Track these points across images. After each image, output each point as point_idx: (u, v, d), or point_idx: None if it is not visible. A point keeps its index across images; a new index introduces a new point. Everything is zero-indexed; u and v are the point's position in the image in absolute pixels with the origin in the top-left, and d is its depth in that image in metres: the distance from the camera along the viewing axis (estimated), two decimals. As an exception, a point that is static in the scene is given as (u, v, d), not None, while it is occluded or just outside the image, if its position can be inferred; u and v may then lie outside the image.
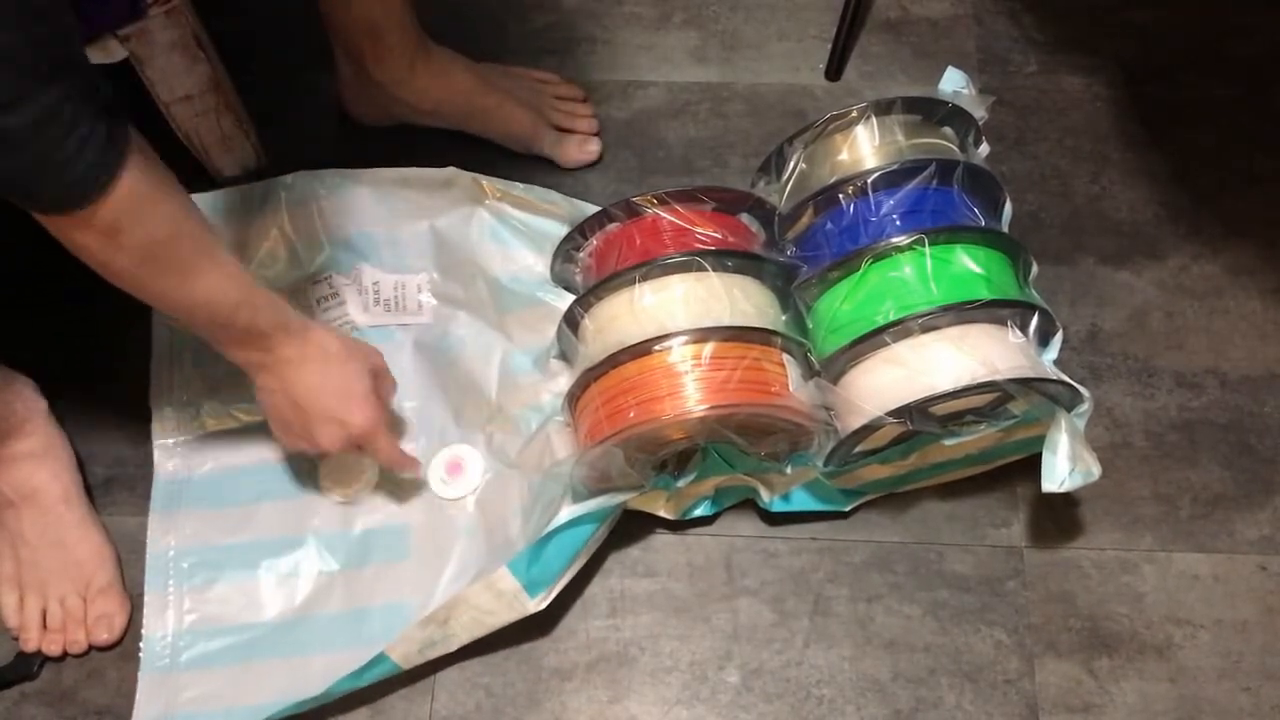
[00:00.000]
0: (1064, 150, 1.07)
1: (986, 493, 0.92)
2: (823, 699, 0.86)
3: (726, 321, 0.81)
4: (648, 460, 0.85)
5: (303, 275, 0.98)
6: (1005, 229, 0.88)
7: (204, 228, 0.72)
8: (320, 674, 0.83)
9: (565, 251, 0.93)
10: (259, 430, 0.93)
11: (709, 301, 0.82)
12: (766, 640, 0.88)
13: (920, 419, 0.78)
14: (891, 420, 0.77)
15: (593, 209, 0.92)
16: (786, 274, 0.86)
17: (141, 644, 0.87)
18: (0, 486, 0.87)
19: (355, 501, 0.91)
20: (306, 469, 0.92)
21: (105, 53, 0.83)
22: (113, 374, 0.97)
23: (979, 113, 0.89)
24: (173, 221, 0.69)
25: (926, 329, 0.78)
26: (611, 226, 0.90)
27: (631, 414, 0.79)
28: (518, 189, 0.97)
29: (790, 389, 0.81)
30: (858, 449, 0.84)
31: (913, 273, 0.80)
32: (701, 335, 0.80)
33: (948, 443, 0.83)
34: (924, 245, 0.80)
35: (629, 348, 0.80)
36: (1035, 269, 0.86)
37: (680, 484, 0.86)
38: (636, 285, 0.83)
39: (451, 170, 0.98)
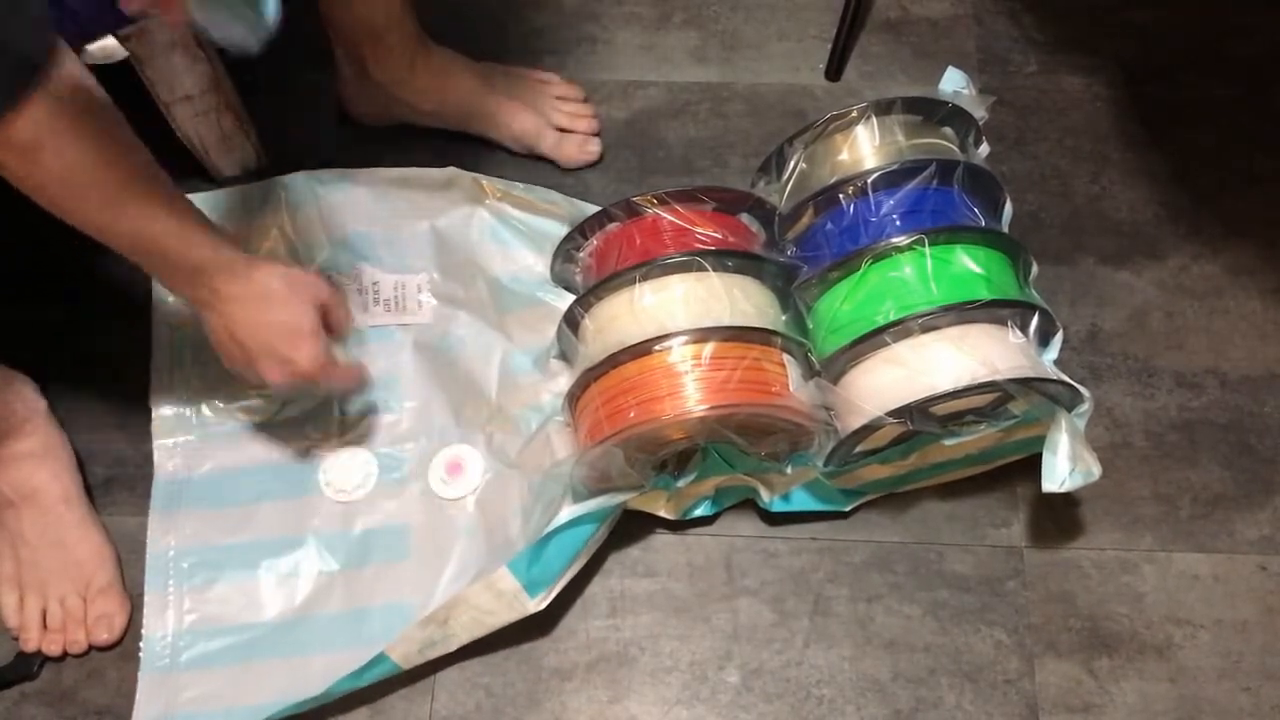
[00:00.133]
0: (1064, 150, 1.07)
1: (986, 493, 0.92)
2: (823, 699, 0.86)
3: (726, 321, 0.81)
4: (648, 460, 0.85)
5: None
6: (1005, 229, 0.88)
7: (140, 162, 0.73)
8: (320, 674, 0.83)
9: (565, 251, 0.93)
10: (259, 430, 0.93)
11: (709, 301, 0.82)
12: (766, 640, 0.88)
13: (920, 419, 0.78)
14: (891, 420, 0.77)
15: (593, 209, 0.92)
16: (786, 274, 0.86)
17: (141, 644, 0.87)
18: (0, 486, 0.87)
19: (355, 501, 0.91)
20: (306, 468, 0.92)
21: (105, 53, 0.83)
22: (113, 374, 0.97)
23: (979, 113, 0.89)
24: (101, 150, 0.69)
25: (926, 329, 0.78)
26: (611, 226, 0.90)
27: (631, 414, 0.79)
28: (518, 189, 0.97)
29: (790, 389, 0.81)
30: (858, 449, 0.84)
31: (913, 273, 0.80)
32: (701, 335, 0.80)
33: (948, 443, 0.83)
34: (924, 245, 0.80)
35: (629, 348, 0.80)
36: (1035, 269, 0.86)
37: (680, 484, 0.86)
38: (636, 285, 0.83)
39: (451, 170, 0.98)
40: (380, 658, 0.82)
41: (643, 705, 0.86)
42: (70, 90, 0.67)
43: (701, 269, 0.83)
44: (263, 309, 0.81)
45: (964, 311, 0.78)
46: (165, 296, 0.96)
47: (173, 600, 0.88)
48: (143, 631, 0.87)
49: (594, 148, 1.06)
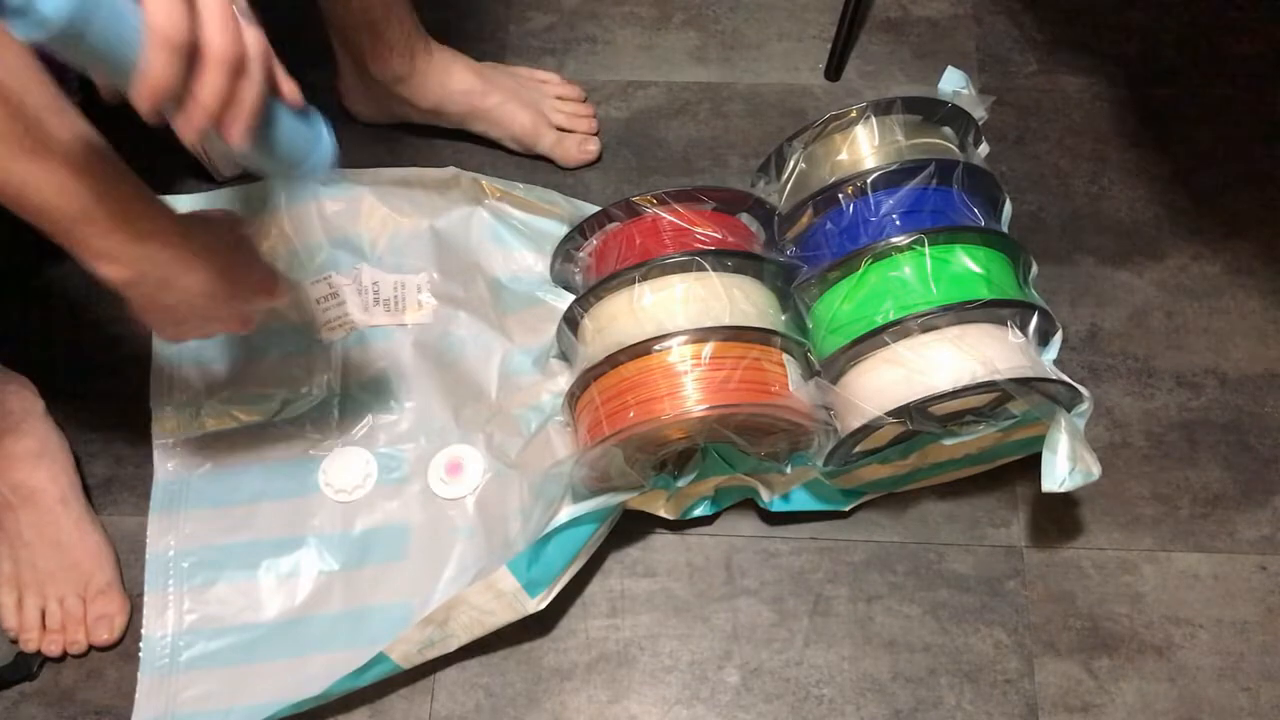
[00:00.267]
0: (1064, 150, 1.07)
1: (986, 493, 0.92)
2: (823, 699, 0.86)
3: (726, 321, 0.81)
4: (648, 460, 0.85)
5: (303, 275, 0.98)
6: (1005, 229, 0.88)
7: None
8: (320, 674, 0.83)
9: (565, 251, 0.93)
10: (259, 430, 0.93)
11: (709, 301, 0.82)
12: (766, 640, 0.88)
13: (920, 419, 0.78)
14: (891, 420, 0.77)
15: (593, 209, 0.92)
16: (786, 274, 0.86)
17: (141, 644, 0.87)
18: None
19: (355, 502, 0.91)
20: (306, 468, 0.92)
21: None
22: (113, 374, 0.97)
23: (979, 113, 0.89)
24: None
25: (926, 329, 0.78)
26: (611, 226, 0.90)
27: (631, 414, 0.79)
28: (518, 189, 0.97)
29: (790, 389, 0.81)
30: (857, 449, 0.84)
31: (912, 273, 0.80)
32: (701, 335, 0.80)
33: (947, 443, 0.83)
34: (924, 245, 0.80)
35: (629, 348, 0.80)
36: (1035, 269, 0.86)
37: (680, 484, 0.86)
38: (636, 285, 0.83)
39: (452, 170, 0.98)
40: (380, 658, 0.82)
41: (643, 705, 0.86)
42: None
43: (701, 269, 0.83)
44: (219, 273, 0.73)
45: (963, 311, 0.78)
46: None
47: (173, 600, 0.88)
48: (143, 631, 0.87)
49: (593, 147, 1.06)
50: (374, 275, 0.99)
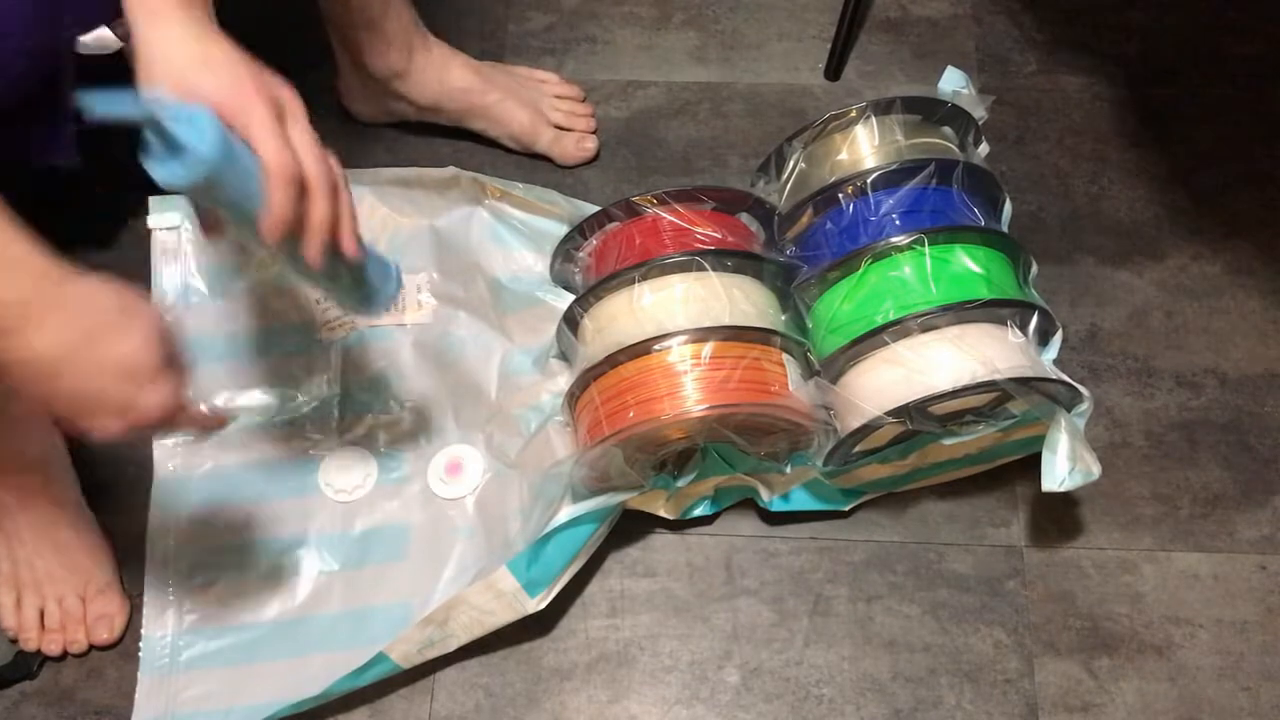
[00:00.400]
0: (1064, 150, 1.07)
1: (986, 493, 0.92)
2: (823, 699, 0.86)
3: (726, 321, 0.81)
4: (647, 460, 0.85)
5: (303, 275, 0.98)
6: (1005, 229, 0.88)
7: None
8: (320, 674, 0.83)
9: (565, 251, 0.93)
10: (259, 430, 0.93)
11: (708, 301, 0.82)
12: (766, 640, 0.88)
13: (920, 419, 0.78)
14: (891, 420, 0.77)
15: (593, 209, 0.92)
16: (786, 274, 0.86)
17: (141, 644, 0.87)
18: None
19: (355, 502, 0.91)
20: (306, 468, 0.92)
21: (100, 43, 0.82)
22: (113, 374, 0.97)
23: (979, 113, 0.89)
24: None
25: (926, 329, 0.78)
26: (611, 226, 0.90)
27: (631, 414, 0.79)
28: (518, 189, 0.97)
29: (790, 389, 0.81)
30: (857, 449, 0.84)
31: (912, 272, 0.80)
32: (701, 335, 0.80)
33: (947, 442, 0.83)
34: (923, 245, 0.80)
35: (628, 347, 0.80)
36: (1035, 269, 0.86)
37: (680, 484, 0.86)
38: (636, 285, 0.83)
39: (452, 170, 0.98)
40: (380, 658, 0.82)
41: (642, 705, 0.86)
42: None
43: (701, 269, 0.83)
44: (92, 340, 0.60)
45: (963, 311, 0.78)
46: (164, 296, 0.96)
47: (173, 600, 0.88)
48: (143, 631, 0.87)
49: (591, 145, 1.06)
50: (374, 275, 0.99)
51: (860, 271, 0.82)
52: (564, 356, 0.92)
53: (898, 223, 0.82)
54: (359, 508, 0.91)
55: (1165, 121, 1.08)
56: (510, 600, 0.82)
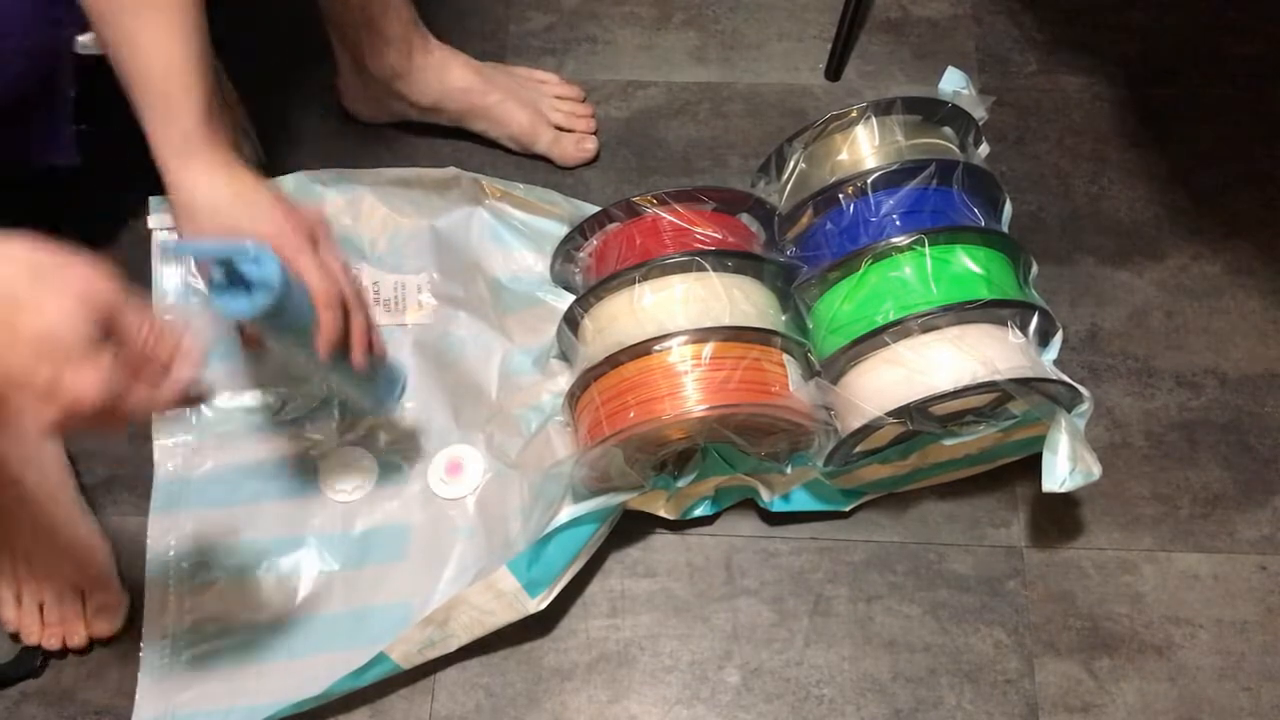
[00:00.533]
0: (1064, 150, 1.07)
1: (986, 493, 0.92)
2: (823, 699, 0.86)
3: (726, 321, 0.81)
4: (648, 460, 0.85)
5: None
6: (1005, 229, 0.88)
7: None
8: (320, 674, 0.83)
9: (565, 251, 0.93)
10: (259, 430, 0.93)
11: (709, 301, 0.82)
12: (766, 640, 0.88)
13: (920, 419, 0.78)
14: (891, 420, 0.77)
15: (593, 209, 0.92)
16: (786, 274, 0.86)
17: (142, 644, 0.87)
18: None
19: (355, 502, 0.91)
20: (306, 468, 0.92)
21: (97, 43, 0.83)
22: (113, 374, 0.97)
23: (979, 113, 0.89)
24: None
25: (926, 329, 0.78)
26: (611, 226, 0.90)
27: (631, 414, 0.79)
28: (518, 189, 0.97)
29: (790, 389, 0.81)
30: (858, 449, 0.84)
31: (913, 273, 0.80)
32: (701, 335, 0.80)
33: (948, 443, 0.83)
34: (924, 245, 0.80)
35: (629, 348, 0.80)
36: (1035, 269, 0.86)
37: (680, 484, 0.86)
38: (636, 285, 0.83)
39: (452, 170, 0.98)
40: (380, 658, 0.82)
41: (643, 705, 0.86)
42: None
43: (701, 269, 0.83)
44: (3, 310, 0.52)
45: (964, 311, 0.78)
46: (164, 296, 0.96)
47: (173, 600, 0.88)
48: (143, 631, 0.87)
49: (591, 145, 1.06)
50: (374, 275, 0.99)
51: (861, 272, 0.82)
52: (564, 356, 0.92)
53: (898, 223, 0.82)
54: (359, 508, 0.91)
55: (1165, 121, 1.08)
56: (511, 600, 0.82)
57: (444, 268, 0.99)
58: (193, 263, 0.63)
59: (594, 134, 1.07)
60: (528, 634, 0.87)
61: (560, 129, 1.06)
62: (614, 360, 0.81)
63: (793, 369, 0.82)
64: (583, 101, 1.09)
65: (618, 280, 0.84)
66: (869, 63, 1.13)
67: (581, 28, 1.15)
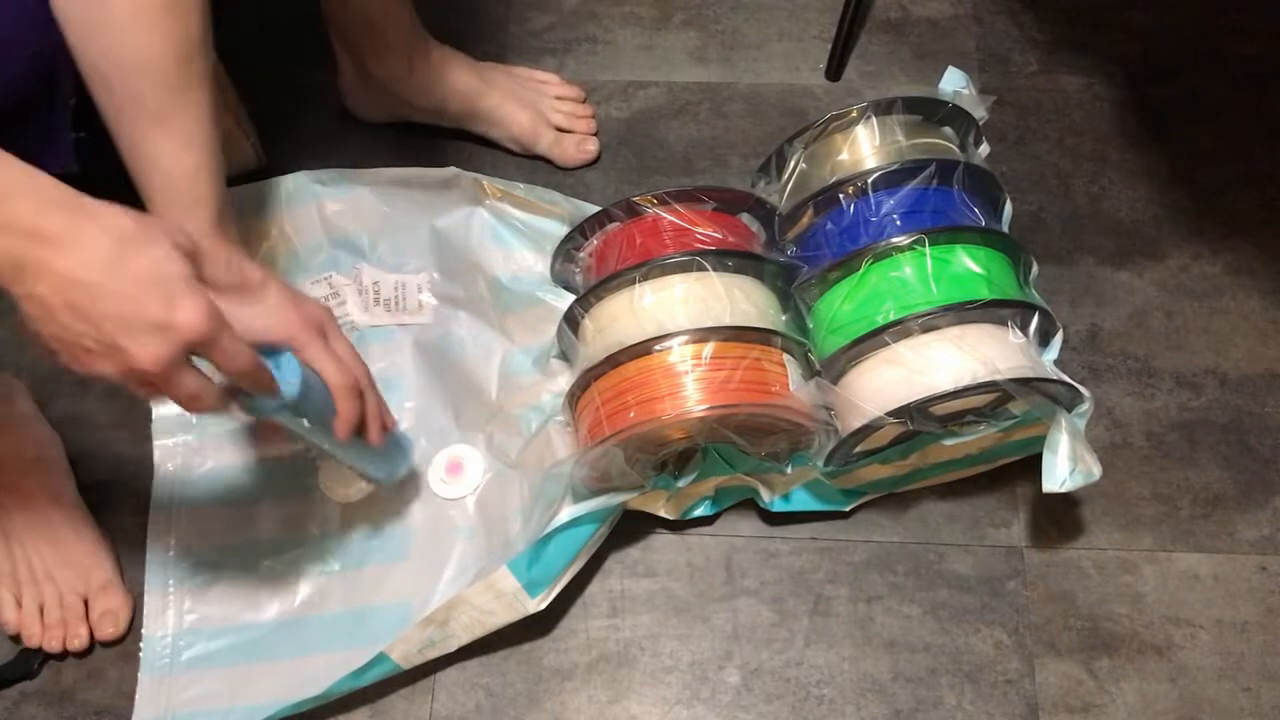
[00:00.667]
0: (1064, 150, 1.07)
1: (986, 493, 0.92)
2: (823, 699, 0.86)
3: (727, 321, 0.81)
4: (648, 460, 0.85)
5: (303, 275, 0.98)
6: (1005, 229, 0.88)
7: None
8: (320, 674, 0.83)
9: (565, 251, 0.93)
10: (259, 430, 0.93)
11: (709, 301, 0.82)
12: (766, 640, 0.88)
13: (920, 419, 0.78)
14: (891, 420, 0.77)
15: (593, 209, 0.92)
16: (786, 274, 0.86)
17: (142, 644, 0.87)
18: None
19: (355, 502, 0.91)
20: (306, 469, 0.92)
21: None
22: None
23: (979, 113, 0.89)
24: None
25: (926, 329, 0.78)
26: (611, 226, 0.90)
27: (631, 414, 0.79)
28: (518, 189, 0.97)
29: (790, 389, 0.81)
30: (858, 449, 0.84)
31: (913, 273, 0.80)
32: (701, 335, 0.80)
33: (948, 443, 0.83)
34: (924, 245, 0.80)
35: (629, 348, 0.80)
36: (1035, 269, 0.86)
37: (680, 484, 0.86)
38: (636, 285, 0.83)
39: (452, 170, 0.98)
40: (380, 658, 0.82)
41: (643, 705, 0.86)
42: None
43: (701, 269, 0.83)
44: (111, 254, 0.56)
45: (964, 311, 0.78)
46: None
47: (173, 600, 0.88)
48: (143, 631, 0.87)
49: (592, 147, 1.06)
50: (374, 275, 0.99)
51: (861, 272, 0.82)
52: (564, 356, 0.92)
53: (898, 223, 0.82)
54: (359, 508, 0.91)
55: (1165, 121, 1.08)
56: (511, 600, 0.82)
57: (444, 268, 0.99)
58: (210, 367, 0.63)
59: (595, 135, 1.07)
60: (528, 634, 0.87)
61: (561, 130, 1.06)
62: (614, 360, 0.81)
63: (793, 369, 0.82)
64: (583, 102, 1.09)
65: (618, 280, 0.84)
66: (869, 63, 1.13)
67: (581, 28, 1.15)
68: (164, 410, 0.94)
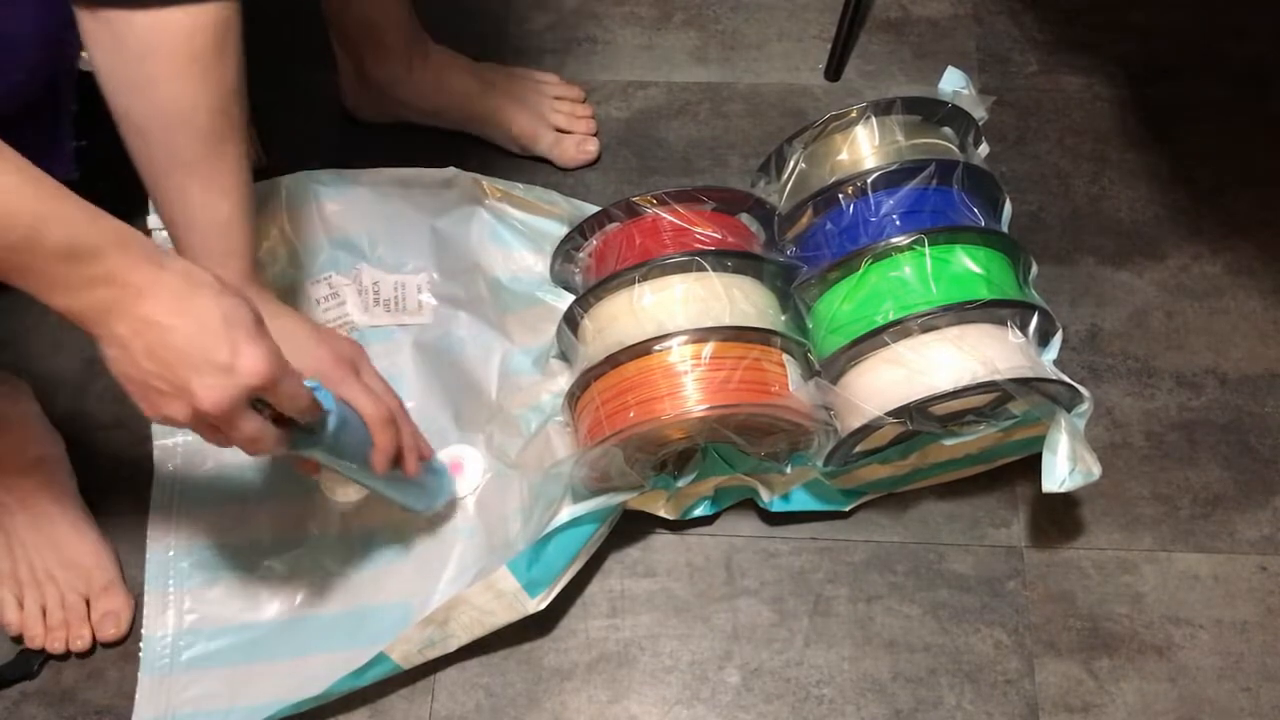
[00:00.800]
0: (1064, 150, 1.07)
1: (986, 493, 0.92)
2: (823, 699, 0.86)
3: (726, 321, 0.81)
4: (648, 460, 0.85)
5: (303, 275, 0.98)
6: (1005, 229, 0.88)
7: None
8: (320, 674, 0.83)
9: (565, 251, 0.93)
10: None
11: (709, 301, 0.82)
12: (766, 640, 0.88)
13: (920, 419, 0.78)
14: (891, 420, 0.77)
15: (593, 209, 0.92)
16: (786, 274, 0.86)
17: (141, 644, 0.87)
18: None
19: (355, 503, 0.91)
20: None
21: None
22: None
23: (979, 113, 0.89)
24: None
25: (926, 329, 0.78)
26: (611, 226, 0.90)
27: (631, 414, 0.79)
28: (518, 189, 0.97)
29: (790, 389, 0.81)
30: (858, 449, 0.84)
31: (912, 273, 0.80)
32: (701, 335, 0.80)
33: (948, 443, 0.83)
34: (924, 245, 0.80)
35: (629, 348, 0.80)
36: (1035, 269, 0.86)
37: (680, 484, 0.86)
38: (636, 285, 0.83)
39: (451, 170, 0.98)
40: (380, 658, 0.82)
41: (643, 705, 0.86)
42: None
43: (701, 269, 0.83)
44: (185, 300, 0.60)
45: (963, 311, 0.78)
46: None
47: (173, 600, 0.88)
48: (143, 631, 0.87)
49: (592, 148, 1.06)
50: (374, 275, 0.99)
51: (860, 272, 0.82)
52: (564, 356, 0.92)
53: (898, 223, 0.82)
54: (358, 508, 0.91)
55: (1165, 121, 1.08)
56: (510, 600, 0.82)
57: (444, 268, 0.99)
58: None
59: (594, 135, 1.07)
60: (528, 634, 0.87)
61: (560, 130, 1.06)
62: (614, 360, 0.81)
63: (793, 369, 0.82)
64: (583, 102, 1.09)
65: (617, 280, 0.84)
66: (869, 63, 1.13)
67: (581, 28, 1.15)
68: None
